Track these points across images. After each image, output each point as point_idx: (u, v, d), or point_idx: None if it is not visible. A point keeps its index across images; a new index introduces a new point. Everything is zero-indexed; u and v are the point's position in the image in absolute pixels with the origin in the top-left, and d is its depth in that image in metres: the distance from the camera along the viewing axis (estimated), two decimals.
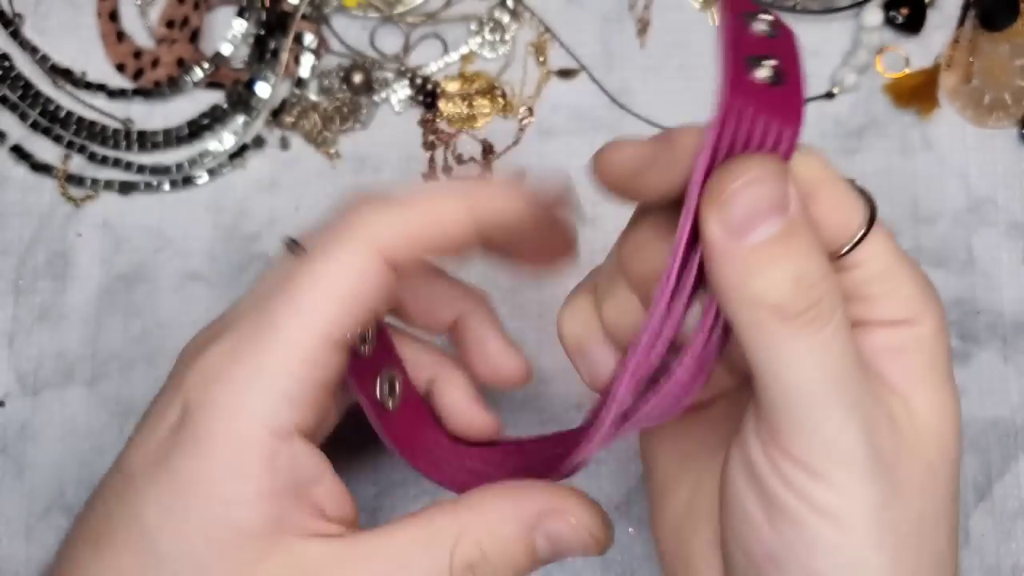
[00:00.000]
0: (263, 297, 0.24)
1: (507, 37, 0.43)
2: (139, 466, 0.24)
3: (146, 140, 0.43)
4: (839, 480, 0.22)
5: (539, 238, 0.27)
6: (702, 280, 0.23)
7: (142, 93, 0.43)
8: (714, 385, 0.27)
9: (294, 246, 0.26)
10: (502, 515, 0.25)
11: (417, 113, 0.43)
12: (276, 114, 0.43)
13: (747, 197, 0.21)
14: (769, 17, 0.22)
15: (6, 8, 0.44)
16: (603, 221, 0.42)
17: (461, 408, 0.30)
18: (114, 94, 0.43)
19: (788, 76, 0.22)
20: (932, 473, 0.24)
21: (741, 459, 0.24)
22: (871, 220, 0.24)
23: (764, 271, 0.21)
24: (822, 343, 0.22)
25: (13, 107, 0.43)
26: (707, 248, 0.22)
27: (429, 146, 0.43)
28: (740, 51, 0.22)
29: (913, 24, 0.43)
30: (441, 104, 0.43)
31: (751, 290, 0.21)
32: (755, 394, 0.23)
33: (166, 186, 0.42)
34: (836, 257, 0.24)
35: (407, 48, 0.44)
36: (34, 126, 0.43)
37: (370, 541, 0.24)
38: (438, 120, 0.43)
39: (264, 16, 0.43)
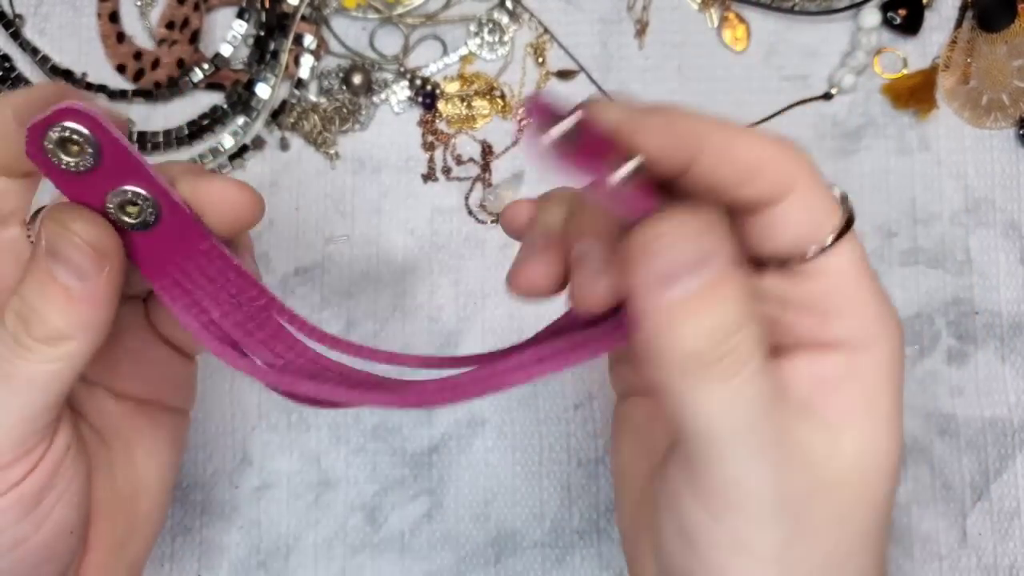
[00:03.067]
0: None
1: (506, 38, 0.43)
2: None
3: (146, 141, 0.43)
4: (742, 519, 0.23)
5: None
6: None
7: (142, 94, 0.43)
8: None
9: None
10: None
11: (416, 114, 0.43)
12: (276, 115, 0.43)
13: (670, 254, 0.22)
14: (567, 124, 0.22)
15: (7, 9, 0.44)
16: None
17: (220, 194, 0.27)
18: (114, 95, 0.43)
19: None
20: (844, 515, 0.24)
21: (662, 477, 0.25)
22: (844, 230, 0.24)
23: (681, 325, 0.22)
24: (732, 391, 0.22)
25: None
26: (630, 296, 0.22)
27: (428, 147, 0.43)
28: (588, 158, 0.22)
29: (911, 25, 0.43)
30: (440, 105, 0.43)
31: (666, 340, 0.22)
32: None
33: None
34: (800, 262, 0.24)
35: (406, 49, 0.44)
36: None
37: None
38: (437, 121, 0.43)
39: (264, 17, 0.43)
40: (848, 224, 0.24)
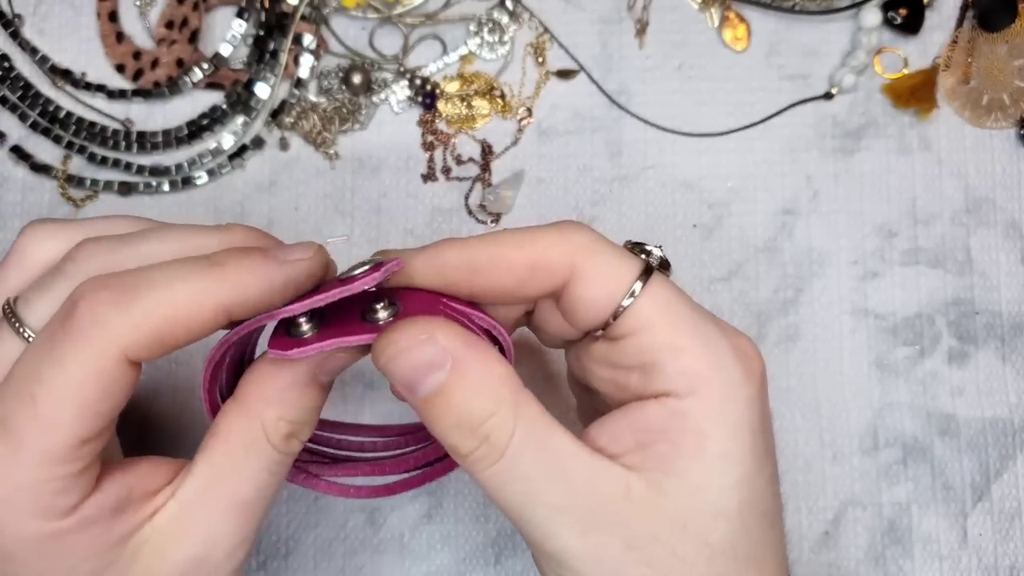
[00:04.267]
0: (8, 408, 0.23)
1: (506, 38, 0.43)
2: None
3: (146, 141, 0.43)
4: None
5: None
6: None
7: (142, 94, 0.43)
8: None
9: (9, 313, 0.26)
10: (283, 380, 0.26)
11: (416, 113, 0.43)
12: (275, 115, 0.43)
13: (406, 360, 0.24)
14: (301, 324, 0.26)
15: (6, 9, 0.44)
16: (600, 223, 0.43)
17: None
18: (114, 95, 0.43)
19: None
20: (703, 543, 0.24)
21: None
22: (646, 276, 0.25)
23: (436, 419, 0.24)
24: (498, 474, 0.24)
25: (13, 108, 0.43)
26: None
27: (428, 146, 0.43)
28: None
29: (911, 25, 0.43)
30: (440, 105, 0.43)
31: (436, 431, 0.25)
32: None
33: (166, 187, 0.42)
34: (609, 328, 0.25)
35: (406, 49, 0.44)
36: (34, 127, 0.43)
37: (193, 484, 0.26)
38: (437, 120, 0.43)
39: (263, 17, 0.43)
40: (648, 273, 0.25)
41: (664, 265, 0.26)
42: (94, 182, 0.42)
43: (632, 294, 0.25)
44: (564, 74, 0.43)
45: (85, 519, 0.24)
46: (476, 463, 0.24)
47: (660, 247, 0.26)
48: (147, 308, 0.23)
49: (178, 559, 0.25)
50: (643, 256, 0.26)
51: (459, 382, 0.24)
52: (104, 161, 0.42)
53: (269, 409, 0.25)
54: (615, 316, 0.25)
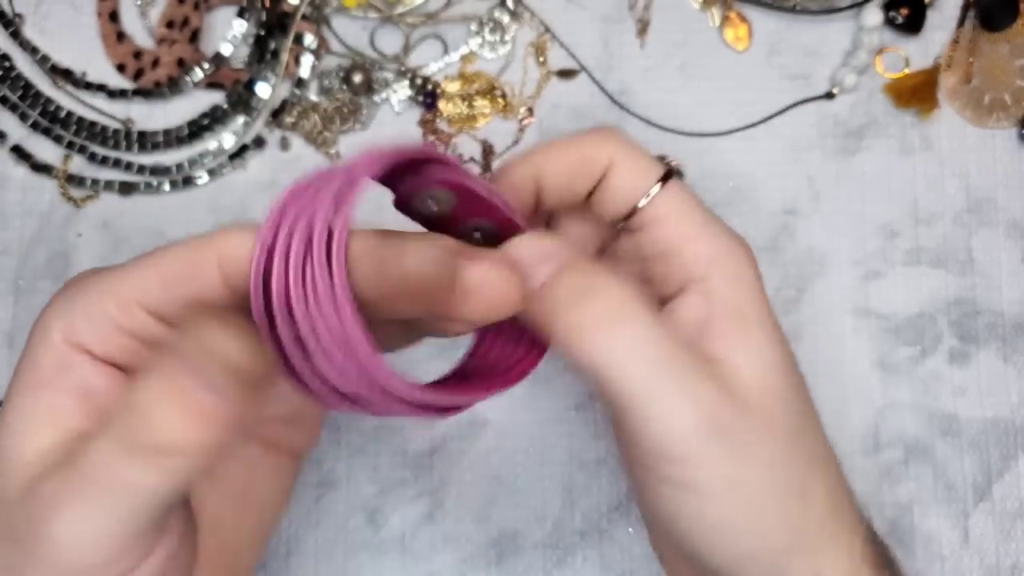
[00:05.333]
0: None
1: (507, 37, 0.43)
2: None
3: (146, 140, 0.43)
4: (684, 457, 0.25)
5: None
6: None
7: (142, 93, 0.43)
8: None
9: None
10: None
11: (417, 113, 0.43)
12: (276, 114, 0.43)
13: (527, 254, 0.27)
14: None
15: (6, 8, 0.44)
16: None
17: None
18: (114, 94, 0.43)
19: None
20: (770, 420, 0.26)
21: (628, 469, 0.28)
22: (665, 180, 0.28)
23: (554, 293, 0.26)
24: (629, 334, 0.25)
25: (13, 107, 0.43)
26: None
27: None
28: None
29: (913, 24, 0.43)
30: (441, 104, 0.43)
31: (553, 310, 0.26)
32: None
33: (166, 186, 0.42)
34: (634, 214, 0.28)
35: (407, 48, 0.44)
36: (34, 126, 0.43)
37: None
38: (438, 120, 0.43)
39: (264, 16, 0.43)
40: (667, 176, 0.28)
41: (679, 173, 0.29)
42: (95, 182, 0.42)
43: (656, 188, 0.28)
44: (565, 74, 0.43)
45: (67, 364, 0.24)
46: (604, 322, 0.25)
47: (678, 162, 0.30)
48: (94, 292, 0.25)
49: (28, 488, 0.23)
50: (665, 163, 0.29)
51: (573, 262, 0.27)
52: (105, 161, 0.42)
53: None
54: (647, 198, 0.28)
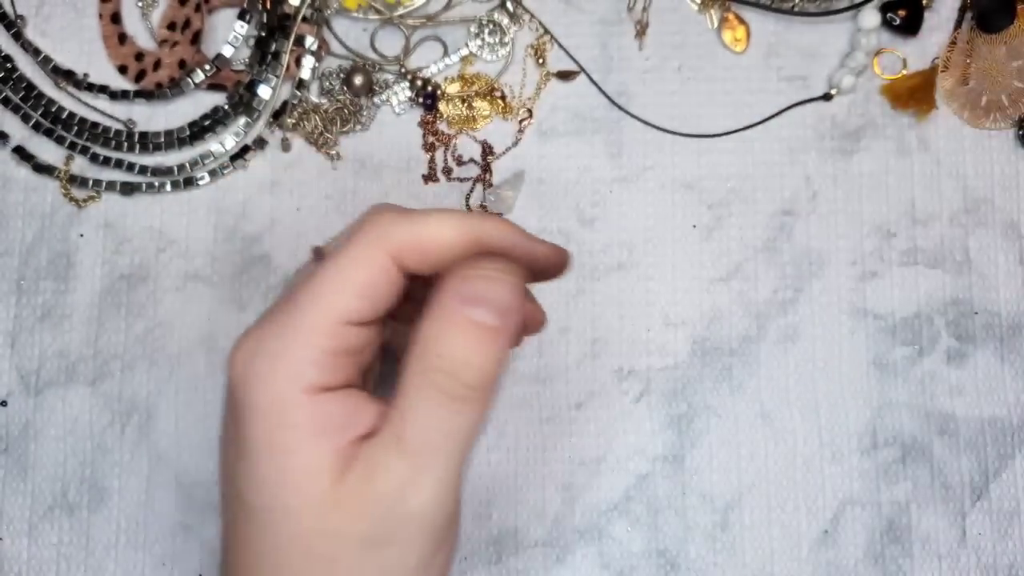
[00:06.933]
0: (291, 291, 0.27)
1: (506, 40, 0.44)
2: (223, 442, 0.28)
3: (148, 141, 0.43)
4: None
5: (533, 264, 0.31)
6: None
7: (144, 95, 0.43)
8: None
9: (319, 253, 0.29)
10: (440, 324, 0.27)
11: (417, 114, 0.43)
12: (277, 115, 0.43)
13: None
14: None
15: (8, 10, 0.44)
16: (602, 223, 0.43)
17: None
18: (116, 96, 0.43)
19: None
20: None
21: None
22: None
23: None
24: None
25: (16, 109, 0.43)
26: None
27: (429, 147, 0.43)
28: None
29: (910, 26, 0.43)
30: (441, 106, 0.43)
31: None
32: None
33: (168, 187, 0.42)
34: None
35: (407, 50, 0.44)
36: (36, 127, 0.43)
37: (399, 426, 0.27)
38: (438, 121, 0.43)
39: (265, 18, 0.43)
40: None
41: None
42: (96, 182, 0.42)
43: None
44: (564, 75, 0.43)
45: (319, 408, 0.26)
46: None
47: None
48: (414, 222, 0.27)
49: (364, 494, 0.26)
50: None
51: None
52: (106, 161, 0.43)
53: (427, 349, 0.27)
54: None
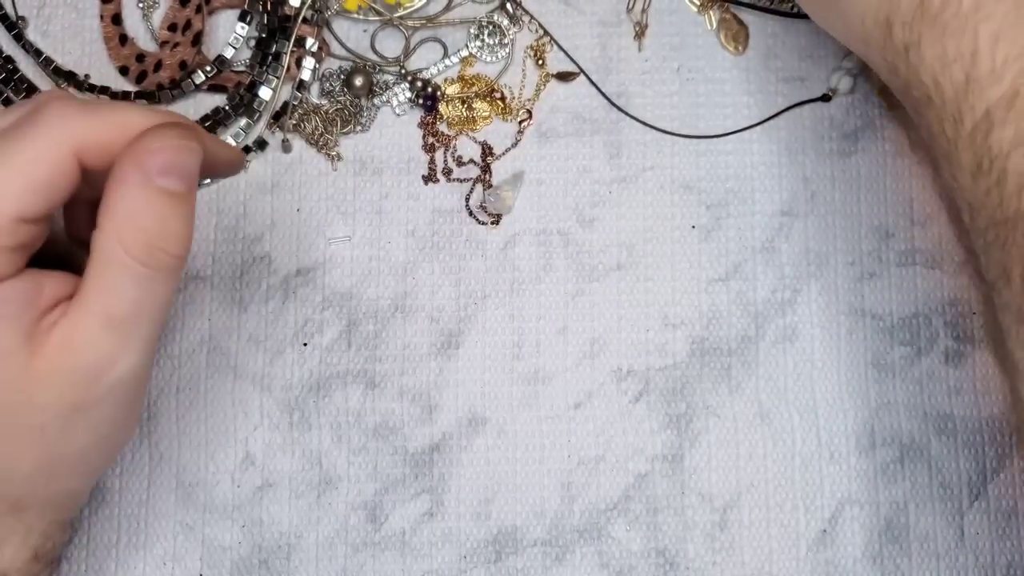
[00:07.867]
0: None
1: (506, 41, 0.44)
2: None
3: None
4: None
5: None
6: None
7: (145, 96, 0.43)
8: None
9: None
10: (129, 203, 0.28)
11: (417, 116, 0.43)
12: (278, 117, 0.43)
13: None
14: None
15: (9, 11, 0.44)
16: (601, 223, 0.43)
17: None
18: (117, 97, 0.43)
19: None
20: None
21: None
22: None
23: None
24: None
25: None
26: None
27: (429, 148, 0.43)
28: None
29: None
30: (441, 107, 0.43)
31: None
32: None
33: None
34: None
35: (407, 51, 0.44)
36: None
37: (78, 300, 0.28)
38: (438, 123, 0.43)
39: (266, 20, 0.43)
40: None
41: None
42: None
43: None
44: (564, 76, 0.44)
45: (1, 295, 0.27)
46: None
47: None
48: (105, 117, 0.28)
49: (68, 367, 0.28)
50: None
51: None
52: None
53: (124, 223, 0.27)
54: None
